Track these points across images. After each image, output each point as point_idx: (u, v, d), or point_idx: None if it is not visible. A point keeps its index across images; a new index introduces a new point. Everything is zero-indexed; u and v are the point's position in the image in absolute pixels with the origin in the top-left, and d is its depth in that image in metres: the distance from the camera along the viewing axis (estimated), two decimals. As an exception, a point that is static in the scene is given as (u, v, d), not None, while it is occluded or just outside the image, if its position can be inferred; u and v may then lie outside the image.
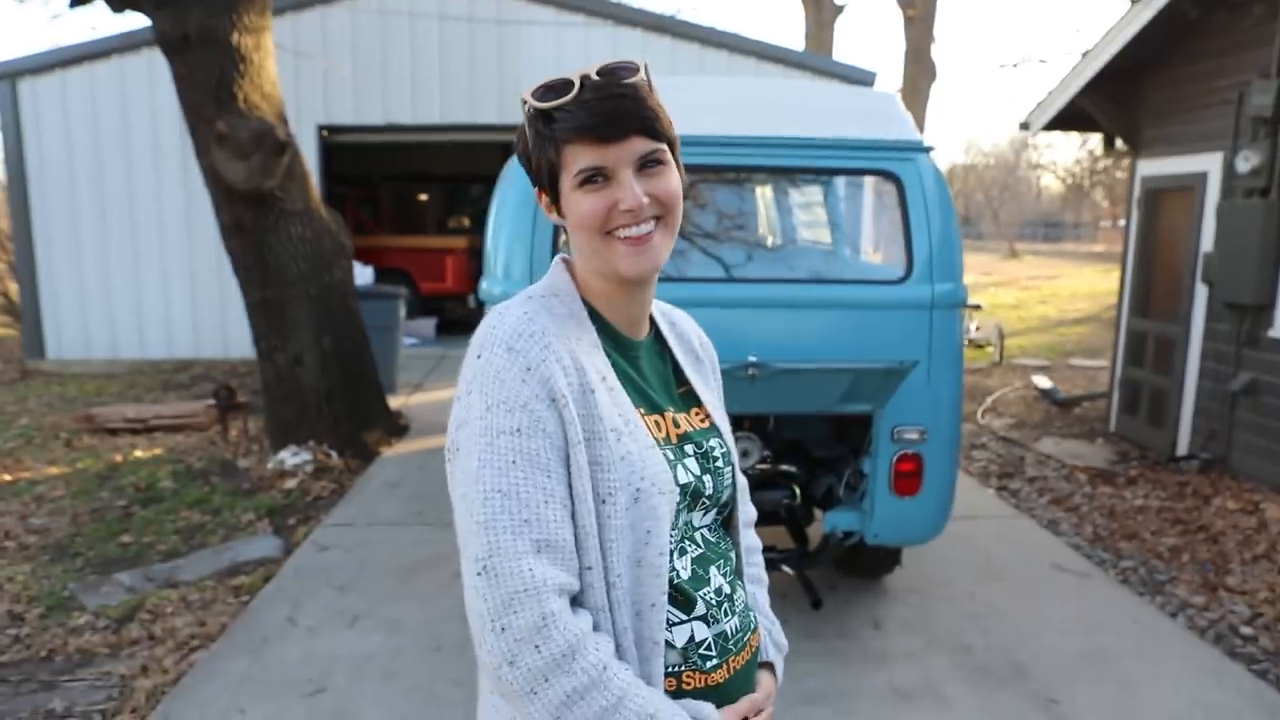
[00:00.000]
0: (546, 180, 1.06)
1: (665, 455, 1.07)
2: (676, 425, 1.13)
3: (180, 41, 4.94)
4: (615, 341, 1.12)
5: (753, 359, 2.70)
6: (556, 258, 1.15)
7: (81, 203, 9.60)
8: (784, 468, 3.37)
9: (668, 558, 1.05)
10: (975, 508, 4.92)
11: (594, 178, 1.01)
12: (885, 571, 3.83)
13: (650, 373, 1.16)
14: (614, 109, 1.00)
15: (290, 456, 5.76)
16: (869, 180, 4.35)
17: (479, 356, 1.02)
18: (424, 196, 14.56)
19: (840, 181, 4.43)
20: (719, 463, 1.16)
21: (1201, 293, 5.98)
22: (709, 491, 1.13)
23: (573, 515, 1.01)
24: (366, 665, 3.22)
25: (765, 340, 2.88)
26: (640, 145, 1.02)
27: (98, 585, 4.08)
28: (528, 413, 0.98)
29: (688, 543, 1.11)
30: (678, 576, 1.08)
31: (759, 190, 4.31)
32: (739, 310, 2.99)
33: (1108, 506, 5.13)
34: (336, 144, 10.50)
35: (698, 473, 1.11)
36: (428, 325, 11.38)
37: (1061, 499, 5.29)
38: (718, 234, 3.54)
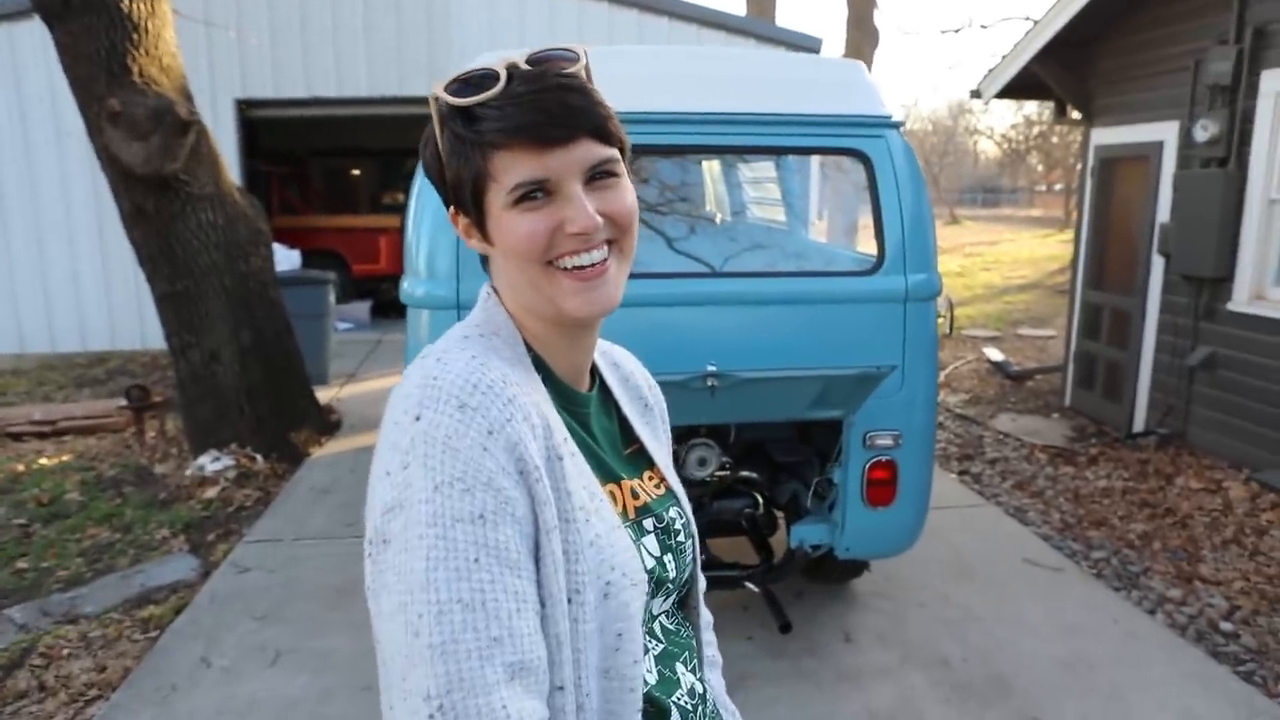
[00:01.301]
0: (469, 198, 0.84)
1: (628, 535, 0.87)
2: (635, 495, 0.93)
3: (59, 6, 4.40)
4: (563, 396, 0.90)
5: (712, 368, 2.40)
6: (484, 287, 0.92)
7: (-25, 185, 8.85)
8: (745, 474, 3.10)
9: (642, 665, 0.85)
10: (940, 496, 4.69)
11: (533, 193, 0.80)
12: (853, 576, 3.60)
13: (600, 433, 0.95)
14: (558, 104, 0.79)
15: (210, 462, 5.32)
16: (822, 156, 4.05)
17: (418, 418, 0.76)
18: (356, 172, 13.89)
19: (802, 161, 4.12)
20: (679, 537, 0.96)
21: (1158, 264, 5.87)
22: (671, 575, 0.93)
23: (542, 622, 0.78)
24: (290, 713, 2.88)
25: (723, 343, 2.59)
26: (590, 151, 0.81)
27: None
28: (493, 492, 0.74)
29: (649, 638, 0.91)
30: (644, 683, 0.87)
31: (708, 169, 3.99)
32: (691, 309, 2.67)
33: (1072, 490, 5.00)
34: (259, 119, 9.86)
35: (658, 553, 0.91)
36: (362, 309, 10.87)
37: (1025, 483, 5.14)
38: (663, 221, 3.21)
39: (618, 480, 0.92)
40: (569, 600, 0.78)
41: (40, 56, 8.60)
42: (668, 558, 0.92)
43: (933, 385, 2.90)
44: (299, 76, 9.15)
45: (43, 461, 5.74)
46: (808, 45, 9.53)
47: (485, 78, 0.80)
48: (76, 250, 9.08)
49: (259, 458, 5.40)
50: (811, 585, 3.66)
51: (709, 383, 2.40)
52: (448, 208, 0.86)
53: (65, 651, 3.37)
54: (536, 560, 0.77)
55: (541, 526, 0.77)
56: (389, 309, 11.19)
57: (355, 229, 11.39)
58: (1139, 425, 5.98)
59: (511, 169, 0.79)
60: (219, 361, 5.35)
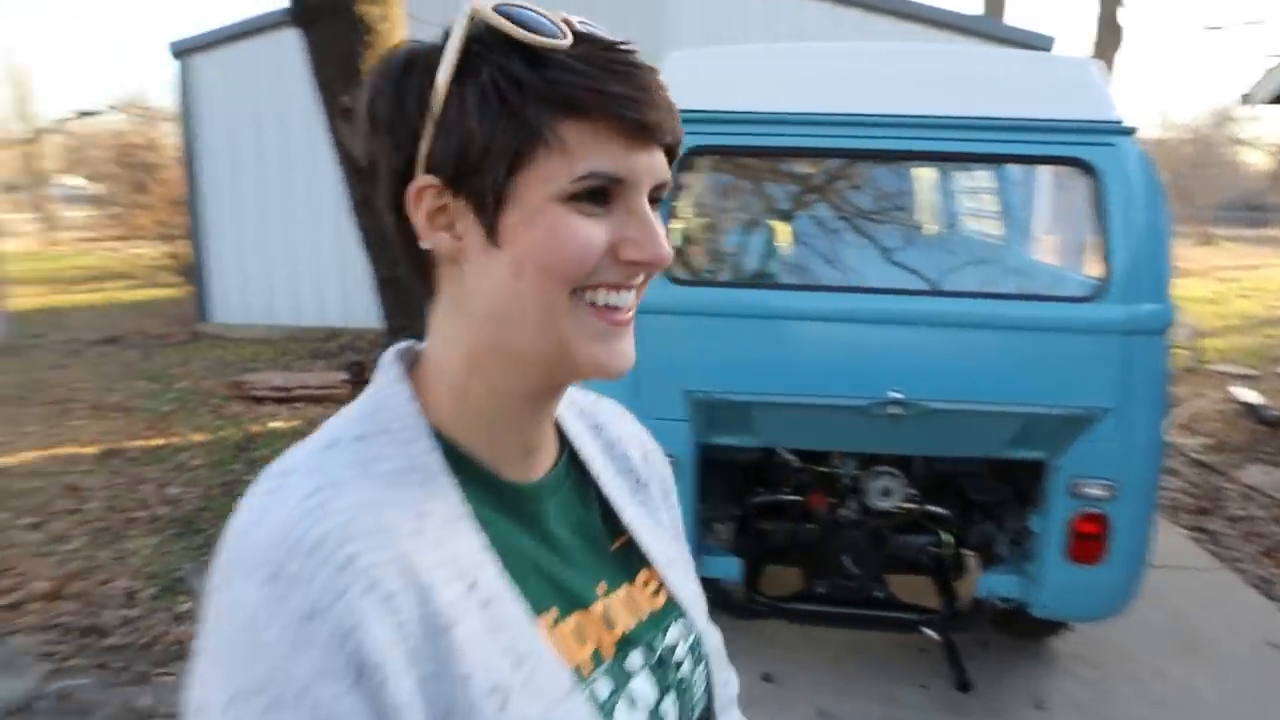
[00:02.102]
0: (495, 169, 0.57)
1: (592, 696, 0.62)
2: (610, 624, 0.68)
3: (310, 14, 4.83)
4: (496, 495, 0.65)
5: (896, 395, 2.21)
6: (388, 354, 0.67)
7: (244, 173, 10.03)
8: (933, 509, 2.86)
9: None
10: (1165, 554, 4.14)
11: (602, 191, 0.59)
12: (1050, 633, 3.23)
13: (562, 531, 0.69)
14: (655, 86, 0.59)
15: (411, 440, 5.68)
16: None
17: (224, 584, 0.55)
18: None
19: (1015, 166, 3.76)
20: (684, 668, 0.71)
21: None
22: None
23: None
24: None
25: (910, 368, 2.37)
26: (662, 164, 0.61)
27: (210, 568, 4.08)
28: (307, 709, 0.51)
29: None
30: None
31: (912, 175, 3.72)
32: (876, 327, 2.47)
33: (1336, 564, 4.25)
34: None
35: (653, 701, 0.67)
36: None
37: (1275, 549, 4.43)
38: (852, 229, 3.00)
39: (585, 605, 0.67)
40: None
41: (299, 60, 9.60)
42: (667, 702, 0.68)
43: (1159, 432, 2.52)
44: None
45: (275, 424, 6.38)
46: (1039, 45, 8.80)
47: (549, 22, 0.58)
48: (320, 236, 10.06)
49: (454, 440, 5.70)
50: (1000, 636, 3.33)
51: (890, 410, 2.21)
52: (405, 177, 0.60)
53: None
54: None
55: None
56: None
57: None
58: None
59: (590, 149, 0.57)
60: (426, 346, 5.69)
